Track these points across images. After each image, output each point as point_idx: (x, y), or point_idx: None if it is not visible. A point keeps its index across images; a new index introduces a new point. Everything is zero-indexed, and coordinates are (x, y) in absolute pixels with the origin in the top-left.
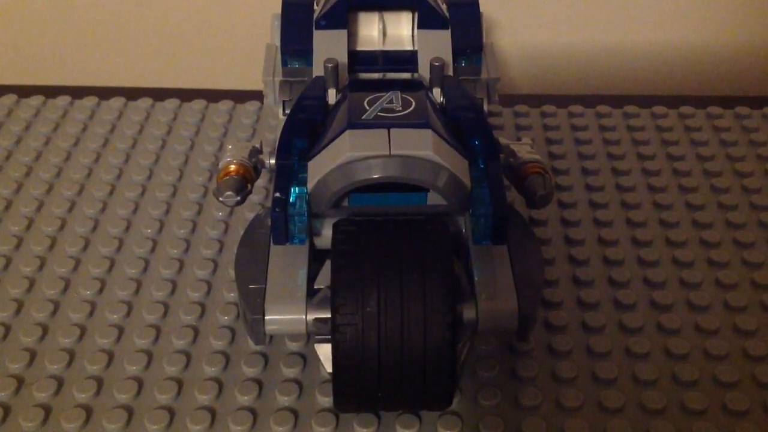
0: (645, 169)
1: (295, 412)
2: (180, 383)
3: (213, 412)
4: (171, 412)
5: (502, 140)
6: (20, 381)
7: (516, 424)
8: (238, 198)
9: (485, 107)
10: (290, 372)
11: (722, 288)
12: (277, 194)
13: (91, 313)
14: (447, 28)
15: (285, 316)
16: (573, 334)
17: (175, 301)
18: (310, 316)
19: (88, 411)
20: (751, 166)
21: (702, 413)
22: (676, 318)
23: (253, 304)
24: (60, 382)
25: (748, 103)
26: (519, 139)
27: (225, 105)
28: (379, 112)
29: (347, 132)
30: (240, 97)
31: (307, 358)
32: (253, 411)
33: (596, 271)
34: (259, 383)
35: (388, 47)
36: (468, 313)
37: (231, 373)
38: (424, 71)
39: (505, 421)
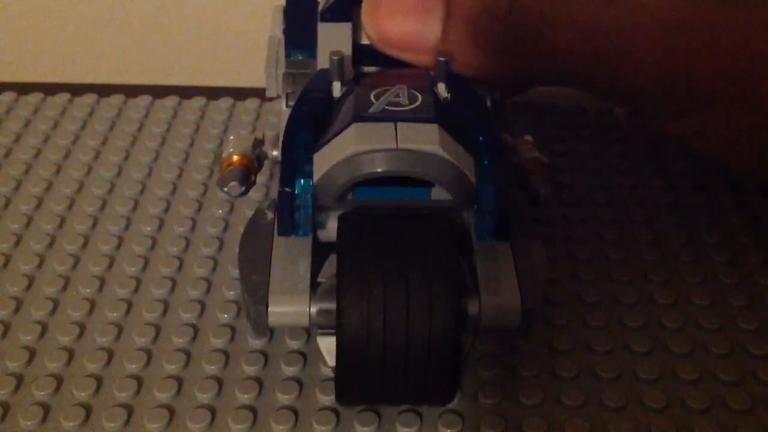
0: (647, 167)
1: (295, 411)
2: (180, 381)
3: (213, 411)
4: (170, 410)
5: (505, 137)
6: (19, 379)
7: (517, 423)
8: (243, 188)
9: (489, 103)
10: (290, 370)
11: (725, 286)
12: (283, 186)
13: (91, 311)
14: None
15: (288, 308)
16: (574, 332)
17: (174, 299)
18: (314, 308)
19: (88, 409)
20: None
21: (704, 411)
22: (677, 316)
23: (256, 295)
24: (59, 381)
25: None
26: (521, 137)
27: (225, 102)
28: (385, 105)
29: (354, 125)
30: (240, 94)
31: (308, 357)
32: (253, 409)
33: (598, 269)
34: (259, 381)
35: None
36: (471, 308)
37: (231, 372)
38: None
39: (506, 419)
